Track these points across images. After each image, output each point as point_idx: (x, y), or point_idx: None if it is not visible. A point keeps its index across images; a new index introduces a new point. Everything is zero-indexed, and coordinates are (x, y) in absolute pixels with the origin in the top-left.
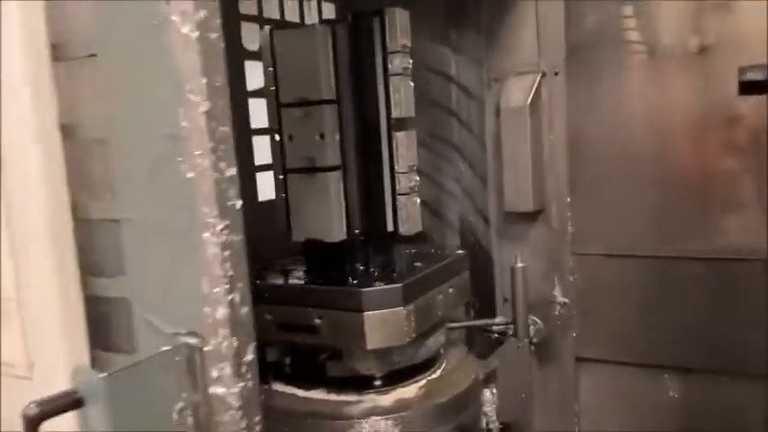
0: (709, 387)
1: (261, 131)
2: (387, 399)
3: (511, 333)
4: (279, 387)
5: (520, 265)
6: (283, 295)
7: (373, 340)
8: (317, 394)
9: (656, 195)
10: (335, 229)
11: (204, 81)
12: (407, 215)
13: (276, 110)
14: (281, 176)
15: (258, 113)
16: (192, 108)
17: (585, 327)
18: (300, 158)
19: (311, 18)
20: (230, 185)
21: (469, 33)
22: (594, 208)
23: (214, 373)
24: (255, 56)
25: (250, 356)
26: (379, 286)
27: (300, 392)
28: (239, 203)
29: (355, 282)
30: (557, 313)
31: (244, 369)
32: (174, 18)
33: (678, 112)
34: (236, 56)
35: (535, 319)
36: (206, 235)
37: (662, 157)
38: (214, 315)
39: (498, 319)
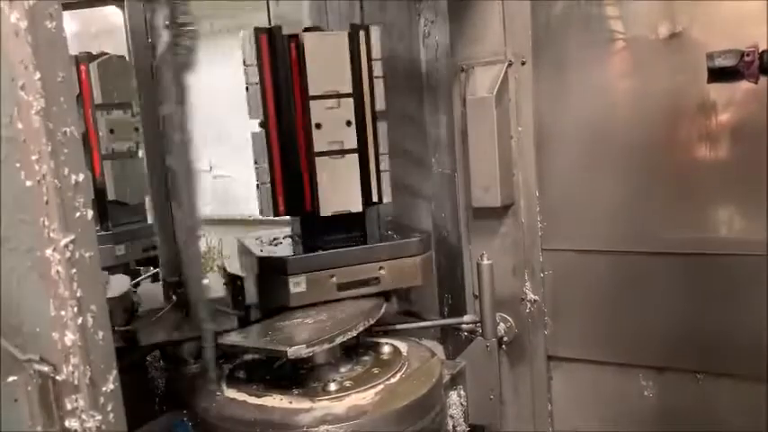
0: (684, 386)
1: None
2: (340, 405)
3: (479, 332)
4: (231, 393)
5: (486, 262)
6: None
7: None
8: (270, 401)
9: (629, 188)
10: (357, 202)
11: (38, 76)
12: (386, 187)
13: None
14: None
15: None
16: (25, 107)
17: (558, 325)
18: (329, 143)
19: None
20: (77, 194)
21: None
22: (565, 202)
23: (68, 405)
24: None
25: (111, 386)
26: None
27: (252, 399)
28: (90, 214)
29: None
30: (528, 311)
31: (102, 400)
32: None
33: (650, 100)
34: None
35: (505, 316)
36: (48, 251)
37: (634, 149)
38: (63, 341)
39: (466, 318)
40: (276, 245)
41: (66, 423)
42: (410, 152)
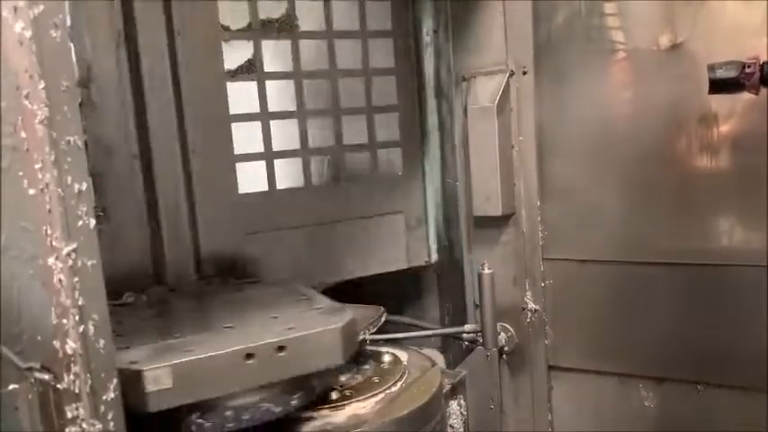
0: (684, 397)
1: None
2: (341, 415)
3: (480, 341)
4: None
5: (487, 271)
6: None
7: None
8: None
9: (631, 198)
10: None
11: (42, 85)
12: None
13: None
14: None
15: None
16: (29, 116)
17: (558, 334)
18: None
19: None
20: (80, 202)
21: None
22: (566, 211)
23: (69, 414)
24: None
25: (111, 395)
26: None
27: None
28: (92, 222)
29: None
30: (528, 320)
31: (103, 409)
32: (5, 14)
33: (651, 111)
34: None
35: (506, 326)
36: (51, 260)
37: (636, 158)
38: (64, 349)
39: (467, 327)
40: None
41: (67, 431)
42: None
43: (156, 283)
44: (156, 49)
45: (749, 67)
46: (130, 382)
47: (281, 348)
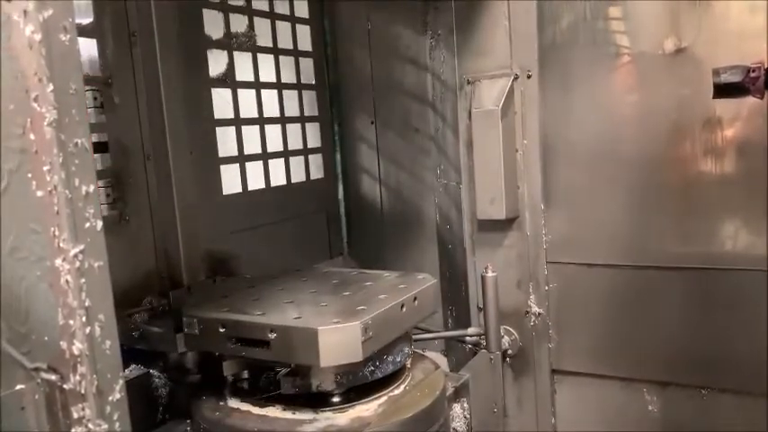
0: (688, 401)
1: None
2: (344, 417)
3: (483, 344)
4: (234, 403)
5: (491, 274)
6: None
7: None
8: (272, 411)
9: (634, 202)
10: None
11: (51, 88)
12: None
13: None
14: None
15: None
16: (38, 118)
17: (562, 338)
18: None
19: (283, 7)
20: (88, 204)
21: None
22: (570, 215)
23: (75, 414)
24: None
25: (117, 395)
26: None
27: (255, 410)
28: (99, 224)
29: None
30: (532, 324)
31: (108, 409)
32: (15, 17)
33: (655, 115)
34: (198, 45)
35: (510, 329)
36: (58, 261)
37: (640, 163)
38: (71, 350)
39: (470, 330)
40: None
41: (73, 431)
42: (416, 163)
43: (171, 285)
44: (171, 52)
45: (754, 71)
46: (340, 336)
47: (415, 299)
